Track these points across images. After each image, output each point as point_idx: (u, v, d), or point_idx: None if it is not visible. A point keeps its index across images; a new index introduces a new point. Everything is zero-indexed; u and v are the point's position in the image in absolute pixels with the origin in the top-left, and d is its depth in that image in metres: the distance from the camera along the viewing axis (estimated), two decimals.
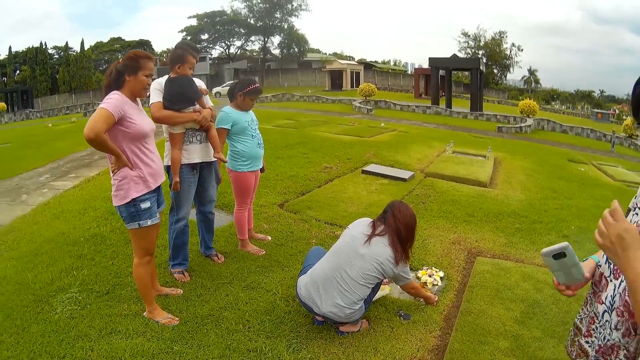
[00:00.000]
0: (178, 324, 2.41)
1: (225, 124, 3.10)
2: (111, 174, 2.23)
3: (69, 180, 6.06)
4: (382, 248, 2.27)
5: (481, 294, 2.87)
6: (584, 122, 25.03)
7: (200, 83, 2.91)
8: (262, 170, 3.43)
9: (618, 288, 0.99)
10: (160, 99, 2.69)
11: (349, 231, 2.43)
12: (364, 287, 2.25)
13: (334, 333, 2.38)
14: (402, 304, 2.71)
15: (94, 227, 3.87)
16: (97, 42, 47.32)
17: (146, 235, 2.32)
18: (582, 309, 1.14)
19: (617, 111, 35.68)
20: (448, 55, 26.22)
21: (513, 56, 48.87)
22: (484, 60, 39.63)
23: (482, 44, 47.66)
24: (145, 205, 2.24)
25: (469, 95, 22.41)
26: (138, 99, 2.30)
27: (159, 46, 71.74)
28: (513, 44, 49.39)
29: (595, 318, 1.04)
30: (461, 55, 40.49)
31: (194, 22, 44.29)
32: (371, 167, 6.29)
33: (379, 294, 2.64)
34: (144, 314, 2.47)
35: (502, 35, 47.88)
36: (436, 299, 2.76)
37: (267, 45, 44.57)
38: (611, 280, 1.03)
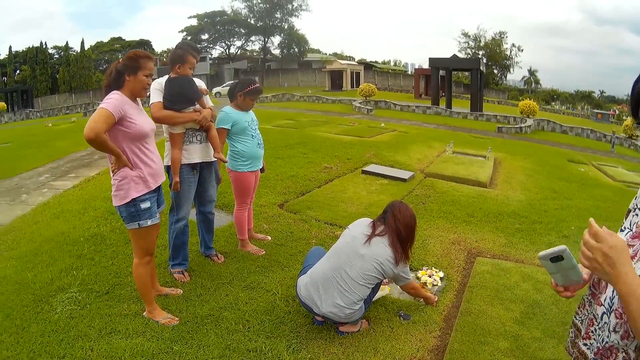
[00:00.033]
0: (178, 324, 2.41)
1: (226, 124, 3.10)
2: (111, 174, 2.23)
3: (69, 180, 6.06)
4: (382, 248, 2.27)
5: (481, 294, 2.87)
6: (584, 122, 25.02)
7: (200, 83, 2.91)
8: (262, 170, 3.43)
9: None
10: (161, 99, 2.69)
11: (349, 231, 2.43)
12: (363, 287, 2.25)
13: (333, 333, 2.38)
14: (402, 304, 2.71)
15: (93, 226, 3.88)
16: (97, 42, 47.40)
17: (146, 236, 2.32)
18: (581, 311, 1.14)
19: (617, 112, 35.67)
20: (448, 55, 26.26)
21: (513, 56, 48.97)
22: (484, 61, 39.68)
23: (482, 44, 47.68)
24: (145, 205, 2.24)
25: (469, 96, 22.40)
26: (138, 99, 2.30)
27: (159, 46, 72.01)
28: (513, 45, 49.61)
29: (594, 320, 1.04)
30: (461, 55, 40.54)
31: (194, 22, 44.34)
32: (371, 167, 6.29)
33: (379, 294, 2.64)
34: (144, 314, 2.47)
35: (502, 35, 47.95)
36: (436, 299, 2.76)
37: (267, 45, 44.62)
38: None
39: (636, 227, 1.01)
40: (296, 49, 44.52)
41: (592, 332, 1.04)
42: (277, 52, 45.87)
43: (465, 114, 19.05)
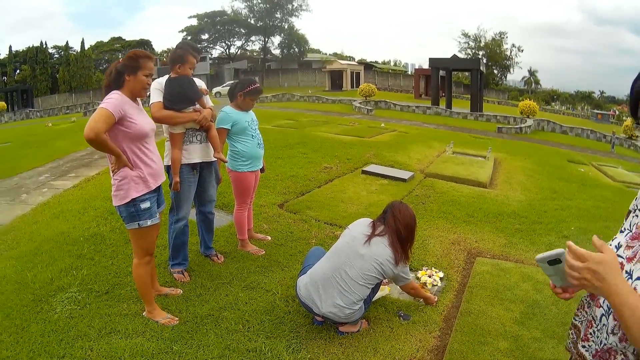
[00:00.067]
0: (177, 324, 2.41)
1: (226, 124, 3.10)
2: (111, 174, 2.23)
3: (69, 179, 6.06)
4: (382, 248, 2.27)
5: (481, 294, 2.87)
6: (584, 122, 25.02)
7: (200, 83, 2.91)
8: (262, 170, 3.44)
9: None
10: (161, 99, 2.69)
11: (348, 231, 2.43)
12: (363, 288, 2.25)
13: (333, 333, 2.38)
14: (401, 305, 2.71)
15: (93, 226, 3.87)
16: (97, 42, 47.35)
17: (146, 236, 2.32)
18: (580, 312, 1.14)
19: (617, 112, 35.66)
20: (448, 55, 26.25)
21: (513, 57, 48.92)
22: (484, 61, 39.67)
23: (482, 44, 47.64)
24: (145, 205, 2.24)
25: (469, 96, 22.38)
26: (138, 99, 2.30)
27: (159, 46, 71.92)
28: (513, 45, 49.54)
29: (593, 322, 1.03)
30: (461, 55, 40.52)
31: (194, 22, 44.32)
32: (371, 168, 6.29)
33: (379, 294, 2.64)
34: (144, 313, 2.47)
35: (502, 35, 47.90)
36: (436, 299, 2.76)
37: (268, 45, 44.58)
38: None
39: (636, 228, 1.01)
40: (296, 49, 44.50)
41: (590, 334, 1.04)
42: (277, 52, 45.89)
43: (465, 114, 19.05)
